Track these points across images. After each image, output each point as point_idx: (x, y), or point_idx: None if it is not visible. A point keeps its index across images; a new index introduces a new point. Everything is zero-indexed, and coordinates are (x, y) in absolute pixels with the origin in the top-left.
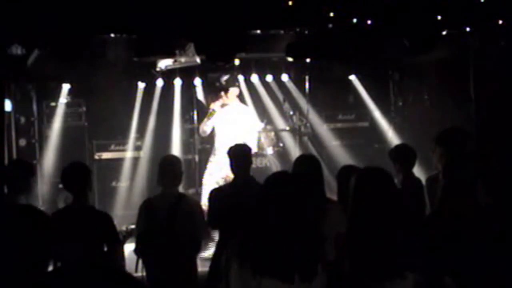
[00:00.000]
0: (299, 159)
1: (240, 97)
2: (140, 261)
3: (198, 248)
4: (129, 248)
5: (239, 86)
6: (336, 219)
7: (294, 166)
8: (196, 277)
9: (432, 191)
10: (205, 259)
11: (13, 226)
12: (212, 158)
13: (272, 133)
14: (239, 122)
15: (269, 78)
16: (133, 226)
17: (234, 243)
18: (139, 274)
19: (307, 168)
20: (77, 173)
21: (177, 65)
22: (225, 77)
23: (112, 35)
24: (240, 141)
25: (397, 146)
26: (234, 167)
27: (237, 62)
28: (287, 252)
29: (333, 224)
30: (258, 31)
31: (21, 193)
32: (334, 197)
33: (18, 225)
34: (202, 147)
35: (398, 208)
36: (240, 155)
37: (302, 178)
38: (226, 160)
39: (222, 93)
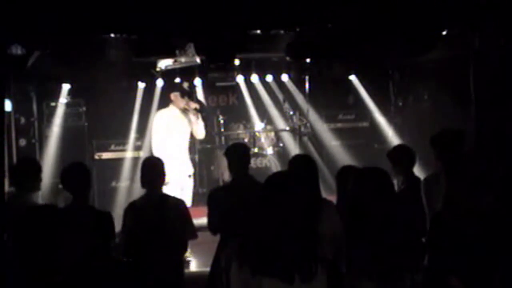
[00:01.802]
0: (293, 159)
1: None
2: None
3: (185, 248)
4: None
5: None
6: (331, 219)
7: (289, 166)
8: (183, 278)
9: (429, 192)
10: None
11: None
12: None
13: (272, 133)
14: (184, 128)
15: (269, 78)
16: None
17: (234, 243)
18: None
19: (302, 168)
20: (76, 173)
21: (177, 65)
22: (187, 83)
23: (112, 35)
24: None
25: (395, 148)
26: (232, 166)
27: (237, 62)
28: (287, 252)
29: (329, 224)
30: (258, 31)
31: (30, 191)
32: (334, 197)
33: None
34: (202, 147)
35: (396, 208)
36: (238, 155)
37: (301, 178)
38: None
39: (186, 98)
